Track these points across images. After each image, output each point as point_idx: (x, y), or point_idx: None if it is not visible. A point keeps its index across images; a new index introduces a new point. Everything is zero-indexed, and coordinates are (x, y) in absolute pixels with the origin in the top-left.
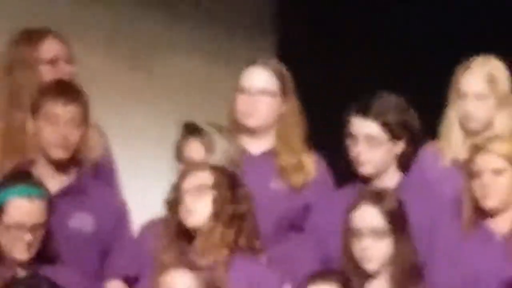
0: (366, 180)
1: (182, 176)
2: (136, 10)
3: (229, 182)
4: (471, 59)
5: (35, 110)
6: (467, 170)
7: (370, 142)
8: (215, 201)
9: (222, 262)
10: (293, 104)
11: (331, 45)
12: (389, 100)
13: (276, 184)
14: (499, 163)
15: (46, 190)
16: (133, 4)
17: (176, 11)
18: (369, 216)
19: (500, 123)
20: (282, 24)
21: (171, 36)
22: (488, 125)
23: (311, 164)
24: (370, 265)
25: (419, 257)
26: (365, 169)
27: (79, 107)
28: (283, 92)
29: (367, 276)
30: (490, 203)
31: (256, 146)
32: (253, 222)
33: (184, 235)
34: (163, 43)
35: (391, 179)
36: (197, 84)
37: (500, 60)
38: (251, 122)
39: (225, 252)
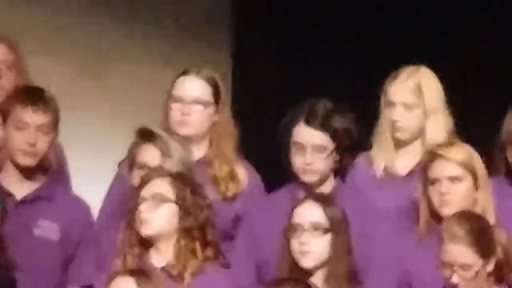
0: (305, 187)
1: (141, 183)
2: (85, 15)
3: (190, 192)
4: (400, 68)
5: (4, 116)
6: (423, 176)
7: (319, 151)
8: (178, 214)
9: (191, 273)
10: (226, 114)
11: (285, 50)
12: (334, 108)
13: (209, 193)
14: (456, 170)
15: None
16: (81, 9)
17: (125, 16)
18: (311, 212)
19: (431, 133)
20: (235, 31)
21: (121, 41)
22: (418, 135)
23: (244, 174)
24: (307, 262)
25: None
26: (311, 178)
27: (48, 115)
28: (216, 101)
29: (303, 275)
30: (446, 210)
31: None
32: (215, 231)
33: (142, 243)
34: (113, 49)
35: (327, 186)
36: (148, 89)
37: (430, 69)
38: (184, 131)
39: (193, 264)
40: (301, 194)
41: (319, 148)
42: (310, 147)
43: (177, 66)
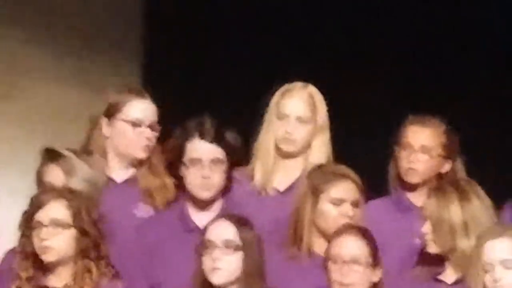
0: (199, 202)
1: (38, 206)
2: None
3: (85, 211)
4: (290, 83)
5: None
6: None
7: (216, 165)
8: (76, 236)
9: None
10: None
11: (196, 70)
12: (222, 124)
13: (139, 211)
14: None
15: None
16: None
17: (39, 37)
18: (224, 229)
19: (315, 150)
20: (146, 50)
21: (34, 63)
22: (304, 150)
23: (172, 187)
24: (218, 278)
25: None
26: (209, 194)
27: None
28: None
29: None
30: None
31: (121, 172)
32: (106, 243)
33: (41, 267)
34: (27, 70)
35: (217, 201)
36: (62, 111)
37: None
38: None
39: (90, 283)
40: (193, 211)
41: (216, 162)
42: (208, 161)
43: (91, 89)
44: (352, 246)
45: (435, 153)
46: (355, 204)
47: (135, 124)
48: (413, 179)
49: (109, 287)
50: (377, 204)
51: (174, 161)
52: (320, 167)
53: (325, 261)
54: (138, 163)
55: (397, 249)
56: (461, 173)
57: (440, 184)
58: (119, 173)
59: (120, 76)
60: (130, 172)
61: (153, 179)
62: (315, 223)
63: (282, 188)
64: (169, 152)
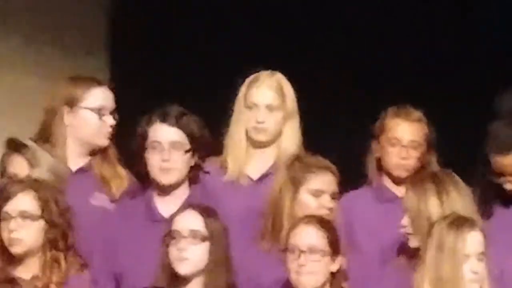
0: (162, 189)
1: (5, 197)
2: None
3: (54, 201)
4: (258, 72)
5: None
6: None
7: (176, 148)
8: (45, 228)
9: (56, 284)
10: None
11: (164, 60)
12: (187, 112)
13: (96, 200)
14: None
15: None
16: None
17: (3, 26)
18: (191, 220)
19: (286, 137)
20: (114, 42)
21: (1, 53)
22: (275, 138)
23: (126, 175)
24: (184, 268)
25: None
26: (170, 178)
27: None
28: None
29: (180, 282)
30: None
31: (76, 162)
32: (74, 233)
33: (9, 259)
34: None
35: (184, 191)
36: (29, 102)
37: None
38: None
39: (58, 274)
40: (158, 200)
41: (177, 145)
42: (168, 144)
43: (52, 72)
44: (309, 236)
45: (422, 147)
46: (333, 196)
47: (100, 111)
48: (403, 173)
49: (77, 277)
50: (358, 194)
51: (137, 149)
52: (299, 158)
53: (283, 251)
54: (98, 151)
55: (380, 239)
56: (435, 164)
57: (419, 177)
58: (74, 161)
59: (87, 67)
60: (85, 160)
61: (107, 168)
62: (293, 215)
63: (255, 176)
64: (134, 140)
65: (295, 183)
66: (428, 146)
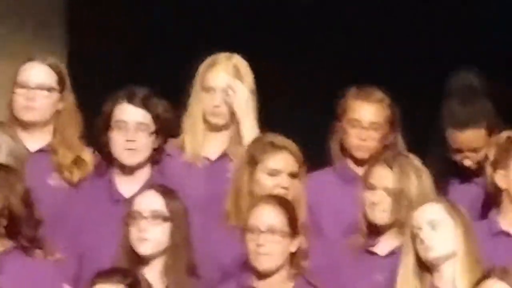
0: (124, 170)
1: None
2: None
3: (14, 191)
4: (215, 55)
5: None
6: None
7: (141, 129)
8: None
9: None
10: (70, 101)
11: (121, 39)
12: (153, 94)
13: (54, 181)
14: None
15: None
16: None
17: None
18: (151, 200)
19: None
20: (71, 20)
21: None
22: (233, 119)
23: (90, 160)
24: (145, 249)
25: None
26: (134, 159)
27: None
28: (61, 88)
29: (140, 263)
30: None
31: (34, 142)
32: (33, 219)
33: None
34: None
35: (145, 172)
36: None
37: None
38: (29, 116)
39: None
40: (120, 180)
41: (142, 126)
42: (133, 124)
43: (14, 58)
44: (268, 216)
45: (383, 128)
46: (292, 175)
47: (20, 86)
48: (364, 155)
49: (23, 257)
50: (321, 174)
51: (102, 128)
52: (258, 138)
53: (243, 231)
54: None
55: (342, 219)
56: (401, 145)
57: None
58: (31, 142)
59: (47, 49)
60: (43, 141)
61: (66, 153)
62: (252, 194)
63: (213, 157)
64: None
65: (252, 163)
66: (391, 127)
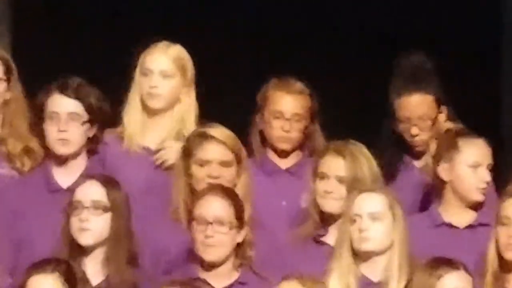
0: (59, 160)
1: None
2: None
3: None
4: (155, 41)
5: None
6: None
7: (74, 119)
8: None
9: None
10: (18, 91)
11: (67, 29)
12: (86, 83)
13: (3, 170)
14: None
15: None
16: None
17: None
18: (92, 190)
19: (183, 106)
20: (15, 10)
21: None
22: (170, 106)
23: (39, 150)
24: (86, 239)
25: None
26: (67, 149)
27: None
28: (8, 78)
29: (81, 253)
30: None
31: None
32: None
33: None
34: None
35: (81, 162)
36: None
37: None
38: None
39: None
40: (57, 171)
41: (74, 116)
42: (65, 114)
43: None
44: (216, 207)
45: (305, 119)
46: (224, 164)
47: None
48: (287, 146)
49: None
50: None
51: (36, 120)
52: (194, 130)
53: (189, 222)
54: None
55: (266, 211)
56: (319, 134)
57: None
58: None
59: None
60: None
61: (15, 142)
62: (191, 186)
63: (153, 146)
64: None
65: (187, 155)
66: (312, 118)
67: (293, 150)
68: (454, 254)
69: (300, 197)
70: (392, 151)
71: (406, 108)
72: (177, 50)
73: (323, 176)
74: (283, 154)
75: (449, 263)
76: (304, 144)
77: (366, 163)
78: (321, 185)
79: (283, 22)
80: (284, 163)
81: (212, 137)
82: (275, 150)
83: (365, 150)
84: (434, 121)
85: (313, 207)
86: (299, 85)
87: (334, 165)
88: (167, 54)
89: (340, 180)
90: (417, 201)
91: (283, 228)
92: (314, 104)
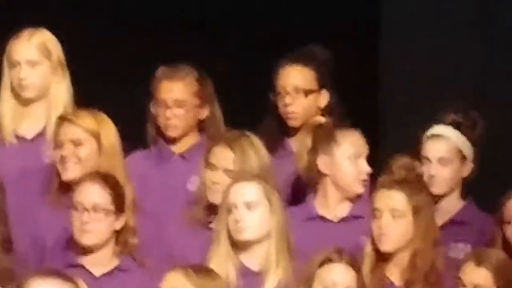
0: None
1: None
2: None
3: None
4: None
5: None
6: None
7: None
8: None
9: None
10: None
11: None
12: None
13: None
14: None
15: None
16: None
17: None
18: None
19: (56, 90)
20: None
21: None
22: (42, 94)
23: None
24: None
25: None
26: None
27: None
28: None
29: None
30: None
31: None
32: None
33: None
34: None
35: None
36: None
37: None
38: None
39: None
40: None
41: None
42: None
43: None
44: (92, 193)
45: (191, 105)
46: (76, 144)
47: None
48: (173, 133)
49: None
50: (142, 155)
51: None
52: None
53: (70, 209)
54: None
55: (164, 196)
56: (217, 119)
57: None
58: None
59: None
60: None
61: None
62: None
63: (30, 135)
64: None
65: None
66: (202, 102)
67: (185, 135)
68: (327, 247)
69: (190, 181)
70: (273, 135)
71: (283, 77)
72: (41, 36)
73: (212, 167)
74: (173, 140)
75: (331, 255)
76: (204, 127)
77: (255, 156)
78: (209, 175)
79: None
80: (177, 148)
81: (68, 120)
82: (165, 139)
83: (256, 142)
84: (309, 97)
85: (201, 194)
86: (182, 71)
87: (223, 157)
88: (30, 43)
89: (228, 172)
90: (290, 192)
91: (174, 213)
92: (204, 88)
